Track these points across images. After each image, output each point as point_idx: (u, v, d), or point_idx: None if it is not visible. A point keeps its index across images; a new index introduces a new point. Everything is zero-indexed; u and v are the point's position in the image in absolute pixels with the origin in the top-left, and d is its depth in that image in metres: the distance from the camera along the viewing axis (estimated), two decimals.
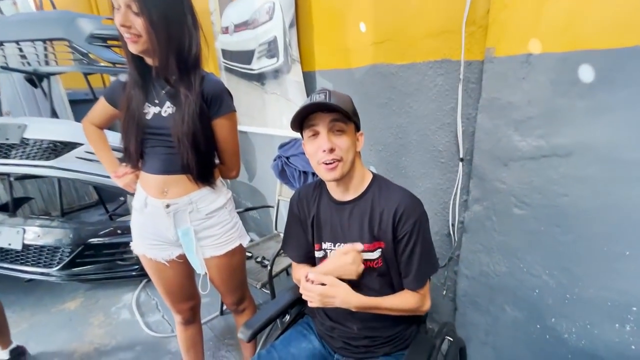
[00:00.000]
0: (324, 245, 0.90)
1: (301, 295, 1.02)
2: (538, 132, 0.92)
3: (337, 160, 0.77)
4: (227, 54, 2.18)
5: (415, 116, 1.28)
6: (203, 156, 0.99)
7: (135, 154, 0.98)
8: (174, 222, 1.02)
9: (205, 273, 1.10)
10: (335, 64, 1.54)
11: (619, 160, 0.80)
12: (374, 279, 0.84)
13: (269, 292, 1.49)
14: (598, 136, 0.82)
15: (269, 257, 1.67)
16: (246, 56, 1.99)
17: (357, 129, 0.83)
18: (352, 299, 0.77)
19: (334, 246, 0.88)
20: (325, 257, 0.90)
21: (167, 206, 0.99)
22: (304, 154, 1.74)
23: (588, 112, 0.83)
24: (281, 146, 1.81)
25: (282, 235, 2.00)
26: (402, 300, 0.83)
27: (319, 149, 0.77)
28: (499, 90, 0.97)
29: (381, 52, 1.32)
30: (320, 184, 0.92)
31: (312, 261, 0.96)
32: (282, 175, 1.83)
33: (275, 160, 1.89)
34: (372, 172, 0.89)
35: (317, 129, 0.77)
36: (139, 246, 1.08)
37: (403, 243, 0.80)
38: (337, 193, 0.87)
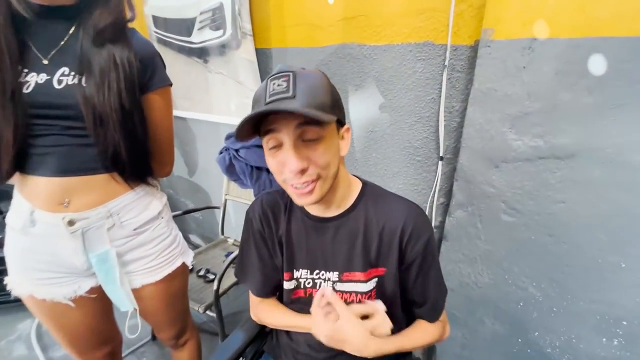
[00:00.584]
0: (297, 274, 0.69)
1: (260, 331, 0.81)
2: (536, 130, 0.81)
3: (313, 181, 0.55)
4: (160, 22, 1.79)
5: (390, 107, 1.12)
6: (139, 145, 0.71)
7: (10, 150, 0.63)
8: (83, 244, 0.71)
9: (135, 309, 0.82)
10: (295, 41, 1.30)
11: (627, 164, 0.72)
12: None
13: (214, 314, 1.23)
14: (605, 137, 0.73)
15: (215, 269, 1.40)
16: (185, 26, 1.64)
17: (341, 122, 0.60)
18: (369, 346, 0.57)
19: (312, 274, 0.68)
20: (298, 288, 0.69)
21: (71, 223, 0.68)
22: (258, 146, 1.50)
23: (596, 109, 0.73)
24: (228, 137, 1.53)
25: (229, 241, 1.74)
26: (425, 333, 0.68)
27: (285, 167, 0.53)
28: (494, 80, 0.84)
29: (352, 29, 1.13)
30: None
31: (279, 293, 0.74)
32: (230, 170, 1.55)
33: (221, 152, 1.60)
34: (360, 179, 0.69)
35: (279, 138, 0.53)
36: (21, 284, 0.74)
37: (415, 268, 0.64)
38: (315, 208, 0.66)
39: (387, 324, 0.58)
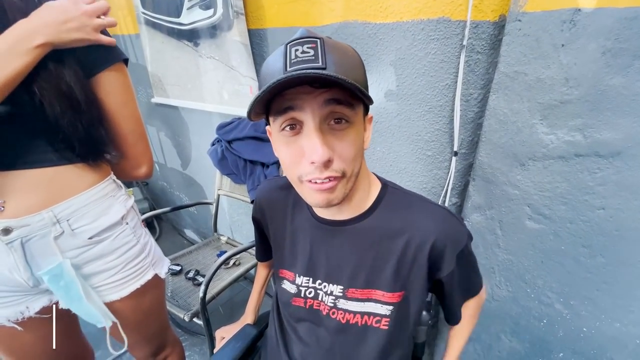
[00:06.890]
0: (299, 280, 0.59)
1: (253, 341, 0.74)
2: (575, 123, 0.67)
3: (336, 178, 0.44)
4: (147, 2, 1.65)
5: (397, 94, 0.99)
6: (85, 115, 0.58)
7: None
8: (25, 257, 0.60)
9: (114, 323, 0.71)
10: (292, 20, 1.16)
11: None
12: (371, 350, 0.56)
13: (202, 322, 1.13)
14: None
15: (206, 271, 1.30)
16: (173, 5, 1.50)
17: (366, 110, 0.49)
18: None
19: (314, 284, 0.58)
20: (298, 296, 0.60)
21: (6, 231, 0.57)
22: (252, 138, 1.38)
23: None
24: (220, 127, 1.41)
25: (222, 239, 1.64)
26: (474, 313, 0.67)
27: (303, 158, 0.42)
28: (524, 61, 0.70)
29: (355, 5, 0.99)
30: None
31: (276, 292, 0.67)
32: (223, 164, 1.44)
33: (213, 144, 1.49)
34: (378, 178, 0.58)
35: (298, 117, 0.42)
36: None
37: (455, 277, 0.56)
38: (325, 208, 0.55)
39: None
